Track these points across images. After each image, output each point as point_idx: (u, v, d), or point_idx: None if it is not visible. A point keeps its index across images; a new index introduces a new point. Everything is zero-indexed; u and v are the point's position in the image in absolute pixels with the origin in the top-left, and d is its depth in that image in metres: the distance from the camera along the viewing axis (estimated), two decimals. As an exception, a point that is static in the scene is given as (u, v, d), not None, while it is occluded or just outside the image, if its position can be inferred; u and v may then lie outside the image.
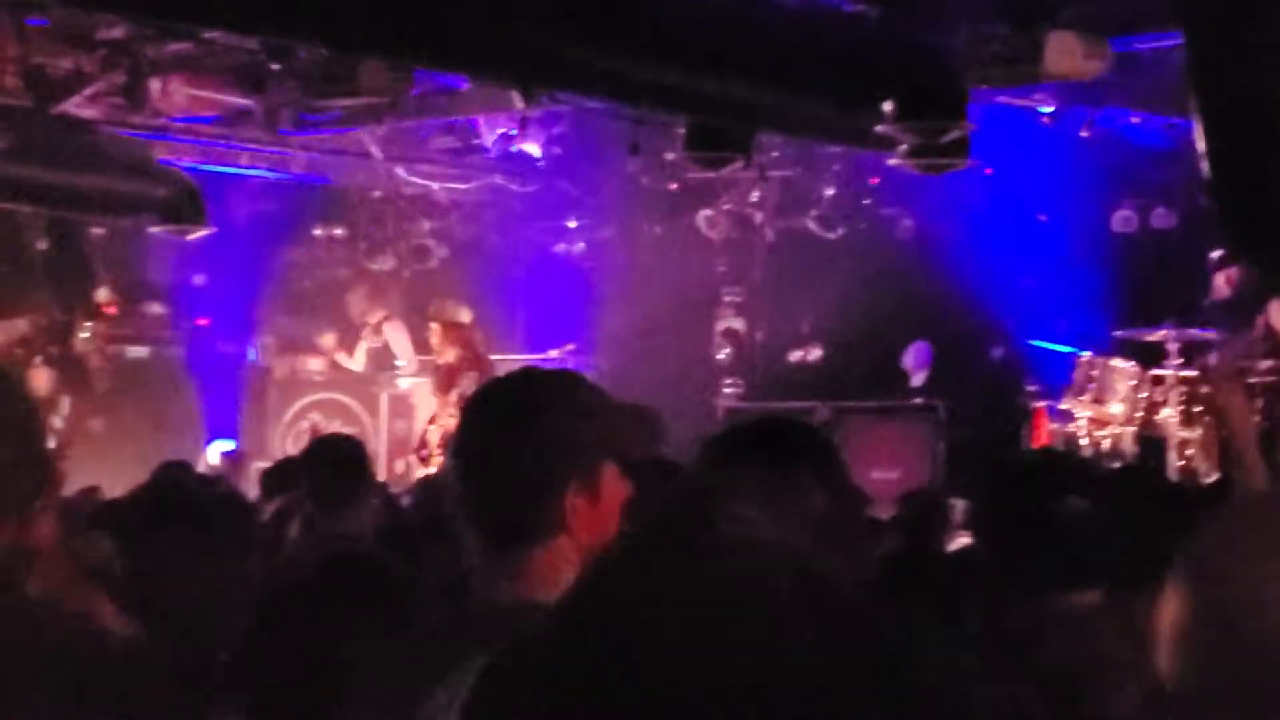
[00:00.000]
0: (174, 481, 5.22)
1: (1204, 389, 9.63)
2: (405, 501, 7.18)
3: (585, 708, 0.84)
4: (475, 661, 2.05)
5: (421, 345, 12.85)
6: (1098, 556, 2.89)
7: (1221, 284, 10.50)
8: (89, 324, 13.38)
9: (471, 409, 2.35)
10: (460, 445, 2.29)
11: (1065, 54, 8.22)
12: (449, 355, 11.12)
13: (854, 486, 2.48)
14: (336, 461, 5.06)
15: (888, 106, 7.93)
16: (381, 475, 12.04)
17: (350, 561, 2.88)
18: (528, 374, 2.47)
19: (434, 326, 11.20)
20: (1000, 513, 2.99)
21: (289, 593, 2.76)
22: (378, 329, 13.52)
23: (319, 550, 4.57)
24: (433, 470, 10.71)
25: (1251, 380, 9.58)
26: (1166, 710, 1.22)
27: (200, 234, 11.08)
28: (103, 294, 13.52)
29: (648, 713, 0.82)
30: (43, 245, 12.81)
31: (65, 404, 12.81)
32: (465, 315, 11.36)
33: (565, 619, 0.89)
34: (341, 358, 13.65)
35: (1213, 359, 9.81)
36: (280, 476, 6.39)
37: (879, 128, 8.09)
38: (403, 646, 2.22)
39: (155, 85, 10.48)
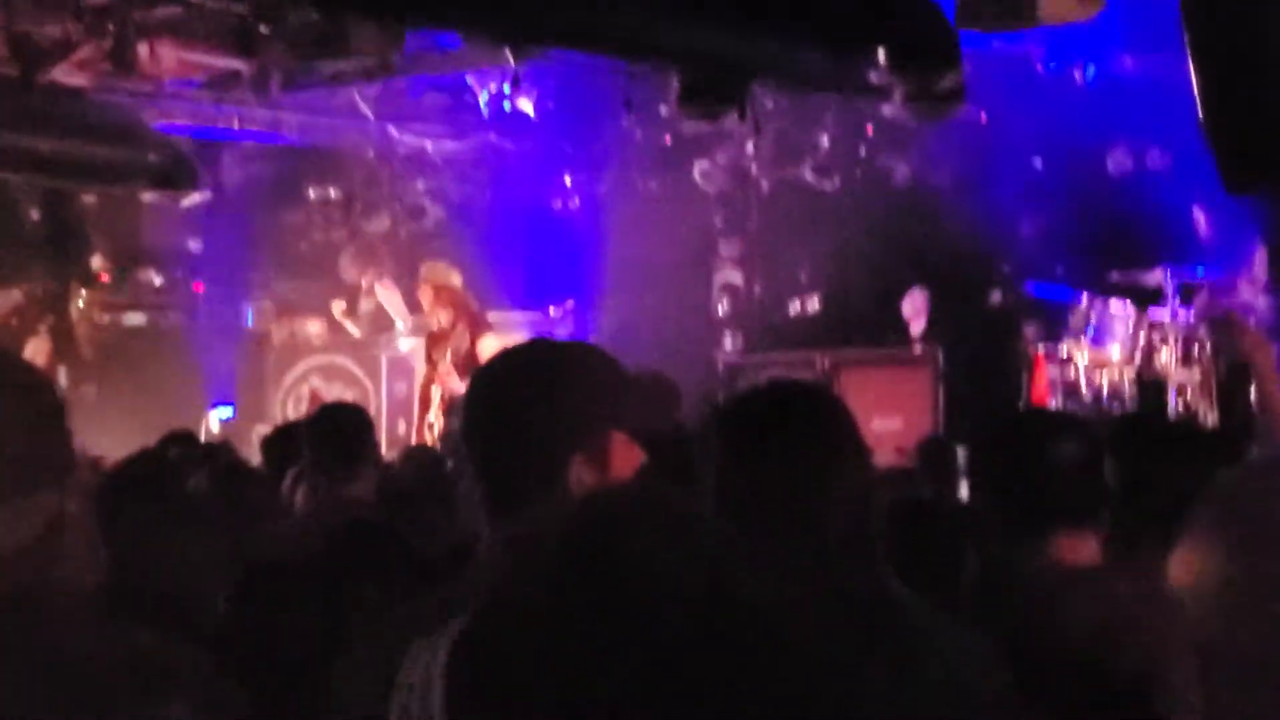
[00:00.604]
0: (152, 458, 5.23)
1: (1214, 335, 9.63)
2: (400, 466, 7.20)
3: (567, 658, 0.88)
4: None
5: (417, 306, 12.83)
6: (1092, 501, 2.89)
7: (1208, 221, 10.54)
8: (84, 292, 13.37)
9: (481, 377, 2.35)
10: (468, 413, 2.30)
11: (1059, -2, 8.18)
12: (441, 317, 11.08)
13: (863, 444, 2.47)
14: (340, 429, 5.06)
15: (881, 55, 7.90)
16: (383, 437, 12.11)
17: (361, 531, 2.89)
18: (538, 344, 2.49)
19: (425, 289, 11.15)
20: (993, 459, 3.01)
21: (301, 563, 2.77)
22: (370, 291, 13.51)
23: (325, 517, 4.59)
24: (437, 434, 10.73)
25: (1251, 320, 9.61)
26: (1203, 668, 1.20)
27: (193, 199, 11.04)
28: (97, 262, 13.50)
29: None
30: (35, 215, 12.79)
31: (61, 374, 12.82)
32: (455, 278, 11.31)
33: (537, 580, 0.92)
34: (348, 324, 13.64)
35: (1221, 309, 9.82)
36: (281, 443, 6.39)
37: (873, 76, 8.06)
38: (404, 614, 2.22)
39: (143, 50, 10.41)
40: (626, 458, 2.22)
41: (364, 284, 13.60)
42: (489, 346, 10.93)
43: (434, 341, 11.27)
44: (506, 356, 2.39)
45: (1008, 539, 2.88)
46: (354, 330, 13.59)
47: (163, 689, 1.82)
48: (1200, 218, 10.66)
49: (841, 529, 2.32)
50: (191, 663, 1.91)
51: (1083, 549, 2.84)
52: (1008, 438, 3.05)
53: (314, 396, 12.38)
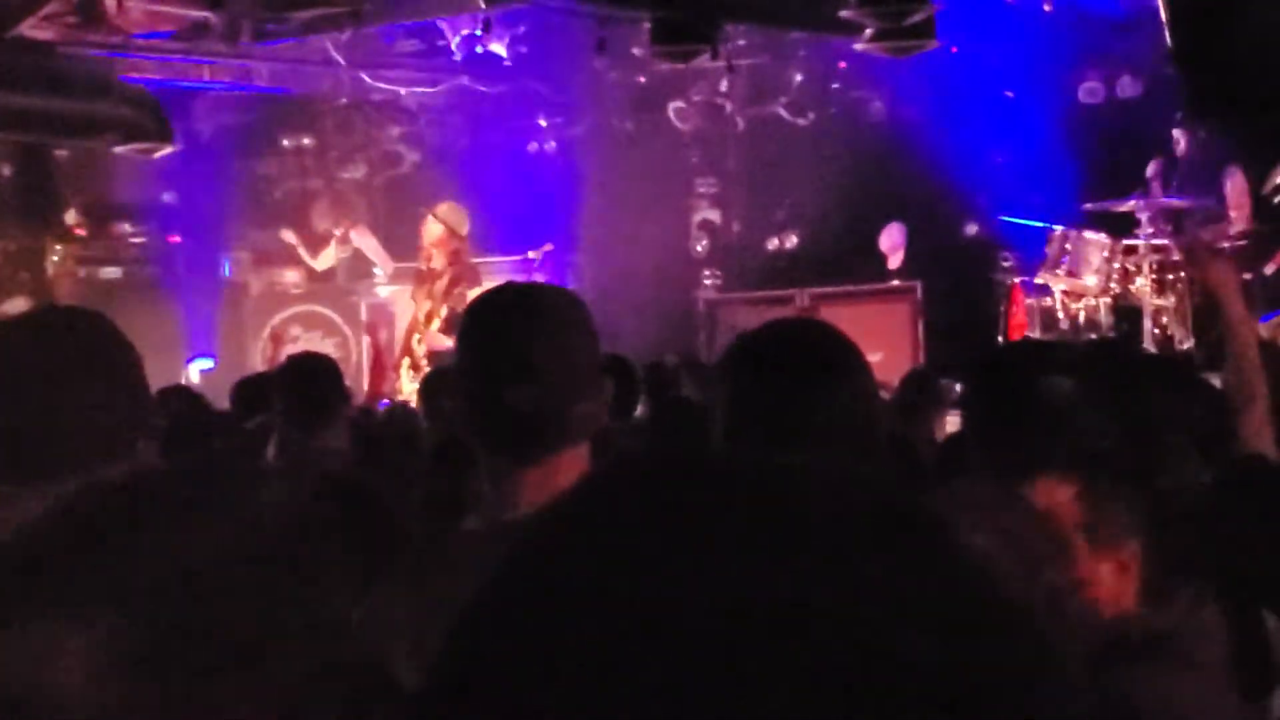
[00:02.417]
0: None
1: (1184, 264, 9.68)
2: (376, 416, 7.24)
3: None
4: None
5: (398, 252, 12.82)
6: (1078, 443, 2.85)
7: (1183, 147, 10.57)
8: (59, 247, 13.32)
9: (493, 311, 2.31)
10: (487, 342, 2.27)
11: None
12: (438, 260, 11.07)
13: (868, 368, 2.48)
14: (310, 380, 5.08)
15: (851, -10, 7.89)
16: (363, 384, 12.13)
17: (339, 490, 2.91)
18: (537, 286, 2.50)
19: (435, 227, 11.08)
20: (984, 394, 2.91)
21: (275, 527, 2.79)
22: (345, 239, 13.48)
23: (297, 469, 4.62)
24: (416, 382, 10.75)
25: (1224, 245, 9.66)
26: None
27: (166, 151, 10.99)
28: (71, 216, 13.45)
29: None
30: (8, 171, 12.73)
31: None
32: (466, 225, 11.30)
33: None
34: (309, 260, 13.61)
35: (1190, 237, 9.86)
36: (252, 391, 6.43)
37: (844, 13, 8.05)
38: (430, 558, 2.23)
39: (111, 3, 10.35)
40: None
41: (338, 232, 13.56)
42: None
43: (419, 282, 11.26)
44: (513, 293, 2.38)
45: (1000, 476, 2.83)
46: (315, 264, 13.54)
47: None
48: (1178, 140, 10.68)
49: (853, 448, 2.33)
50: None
51: (1059, 492, 2.79)
52: (994, 371, 2.95)
53: (276, 337, 12.36)
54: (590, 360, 2.25)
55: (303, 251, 13.52)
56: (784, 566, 0.64)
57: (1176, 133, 10.57)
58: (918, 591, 0.65)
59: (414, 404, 9.15)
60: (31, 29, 10.35)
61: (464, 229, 11.20)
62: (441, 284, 10.99)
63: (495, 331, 2.26)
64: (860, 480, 0.71)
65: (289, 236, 13.50)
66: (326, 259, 13.55)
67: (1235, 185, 10.25)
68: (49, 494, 1.77)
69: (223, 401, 9.16)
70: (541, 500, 2.16)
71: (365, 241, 13.27)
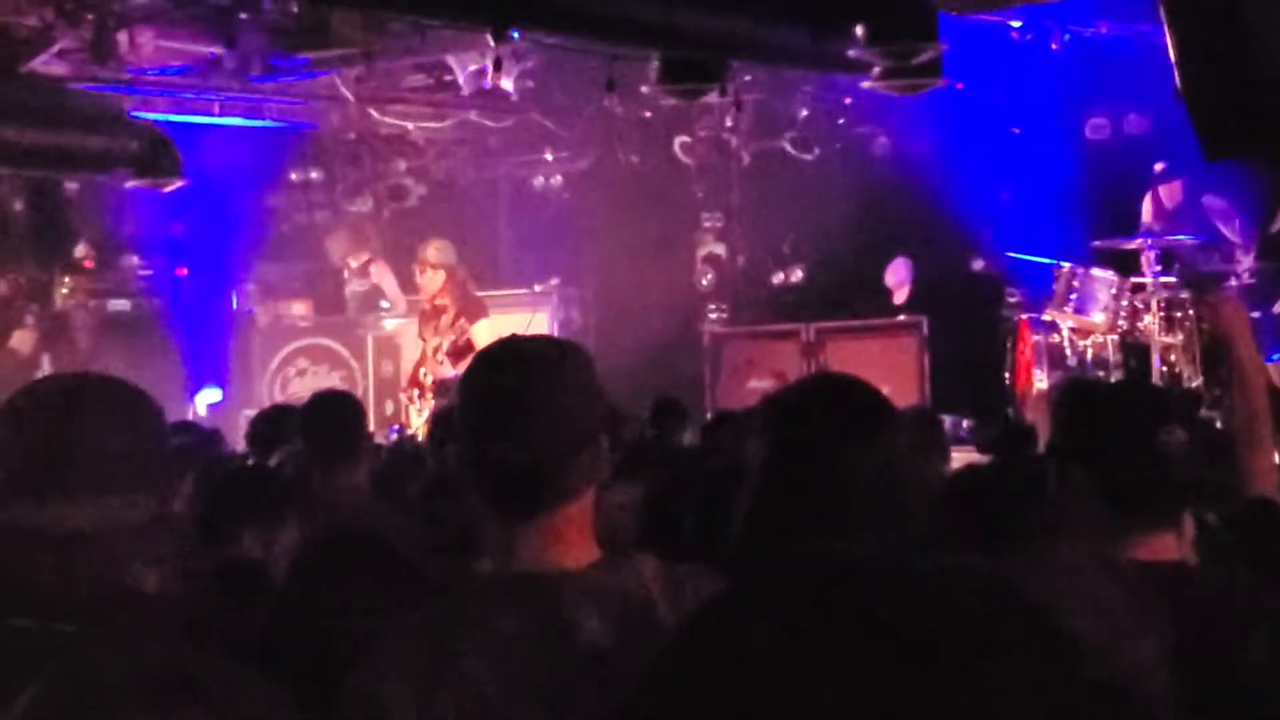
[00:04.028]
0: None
1: (1191, 305, 9.72)
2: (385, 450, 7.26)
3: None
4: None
5: (407, 285, 12.84)
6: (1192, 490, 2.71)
7: (1165, 198, 10.63)
8: (68, 280, 13.36)
9: (491, 368, 2.31)
10: (489, 403, 2.26)
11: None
12: (443, 298, 11.12)
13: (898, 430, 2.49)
14: (335, 419, 5.08)
15: (860, 30, 7.93)
16: (370, 417, 12.14)
17: (360, 541, 2.93)
18: (543, 341, 2.51)
19: (436, 270, 11.12)
20: (1095, 445, 2.72)
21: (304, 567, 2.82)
22: (364, 271, 13.51)
23: (322, 509, 4.63)
24: (425, 416, 10.77)
25: (1230, 284, 9.71)
26: None
27: (176, 186, 11.04)
28: (81, 249, 13.49)
29: None
30: (19, 205, 12.78)
31: (47, 362, 12.83)
32: (454, 256, 11.35)
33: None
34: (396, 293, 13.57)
35: (1199, 278, 9.91)
36: (271, 426, 6.43)
37: (852, 52, 8.09)
38: (441, 613, 2.25)
39: (123, 38, 10.40)
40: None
41: (353, 265, 13.58)
42: (483, 331, 11.00)
43: (425, 320, 11.31)
44: (512, 346, 2.36)
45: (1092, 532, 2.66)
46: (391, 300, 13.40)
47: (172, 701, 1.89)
48: (1178, 184, 10.73)
49: (888, 513, 2.34)
50: (213, 672, 1.97)
51: (1162, 548, 2.63)
52: (1106, 421, 2.73)
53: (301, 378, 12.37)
54: (587, 414, 2.24)
55: (386, 282, 13.40)
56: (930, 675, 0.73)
57: (1162, 187, 10.64)
58: (1039, 691, 0.73)
59: (421, 438, 9.20)
60: (44, 65, 10.40)
61: (454, 259, 11.25)
62: (448, 318, 11.04)
63: (490, 388, 2.26)
64: (989, 585, 0.79)
65: (381, 273, 13.42)
66: (352, 300, 13.59)
67: (1217, 209, 10.32)
68: (67, 514, 1.93)
69: (231, 433, 9.21)
70: (539, 554, 2.18)
71: (385, 277, 13.28)
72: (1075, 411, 2.83)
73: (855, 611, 0.80)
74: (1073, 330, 10.40)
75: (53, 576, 1.94)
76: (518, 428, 2.20)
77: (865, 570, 0.84)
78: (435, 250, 11.15)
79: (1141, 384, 7.83)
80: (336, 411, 5.15)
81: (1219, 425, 4.14)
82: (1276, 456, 3.99)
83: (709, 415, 10.20)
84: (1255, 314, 9.31)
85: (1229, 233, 10.33)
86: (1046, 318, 10.48)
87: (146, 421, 2.13)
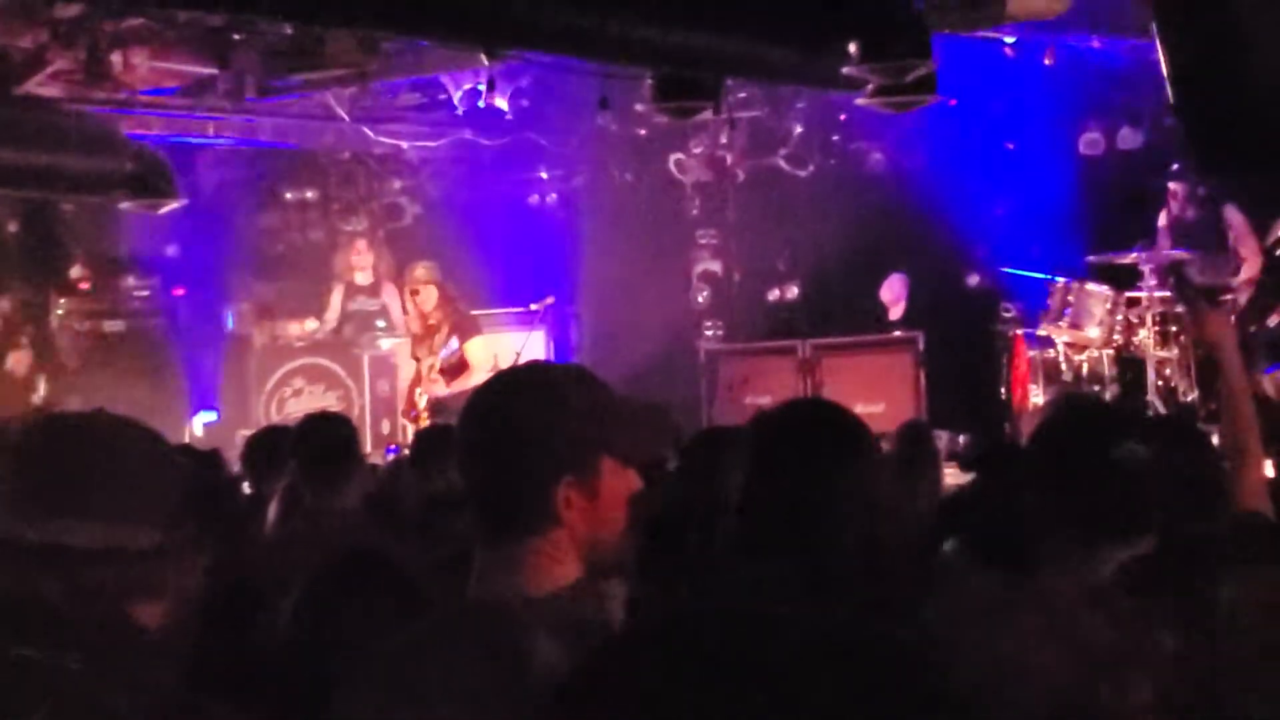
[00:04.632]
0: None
1: (1186, 319, 9.70)
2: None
3: None
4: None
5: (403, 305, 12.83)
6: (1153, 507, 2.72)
7: (1176, 204, 10.61)
8: (63, 301, 13.35)
9: (474, 400, 2.37)
10: (460, 435, 2.33)
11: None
12: (436, 315, 11.15)
13: (876, 458, 2.51)
14: (327, 442, 5.09)
15: (853, 48, 7.94)
16: (366, 437, 12.13)
17: (360, 560, 2.93)
18: (531, 368, 2.54)
19: (428, 290, 11.15)
20: (1057, 466, 2.78)
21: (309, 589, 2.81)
22: (375, 291, 13.49)
23: (313, 530, 4.62)
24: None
25: (1225, 298, 9.70)
26: None
27: (171, 206, 11.04)
28: (76, 270, 13.49)
29: None
30: (14, 227, 12.78)
31: (42, 383, 12.82)
32: (438, 273, 11.37)
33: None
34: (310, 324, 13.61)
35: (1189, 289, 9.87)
36: (265, 448, 6.41)
37: (845, 69, 8.10)
38: (401, 645, 2.25)
39: (117, 60, 10.41)
40: (617, 483, 2.27)
41: (360, 282, 13.55)
42: (476, 348, 11.00)
43: (418, 342, 11.33)
44: (498, 380, 2.43)
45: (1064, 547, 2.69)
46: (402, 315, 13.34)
47: None
48: (1174, 196, 10.73)
49: (859, 540, 2.35)
50: (211, 712, 1.99)
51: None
52: (1067, 441, 2.81)
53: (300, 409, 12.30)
54: (567, 444, 2.24)
55: (393, 303, 13.37)
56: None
57: (1173, 185, 10.61)
58: None
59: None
60: (39, 86, 10.41)
61: (440, 277, 11.28)
62: (441, 337, 11.05)
63: (470, 416, 2.31)
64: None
65: (390, 294, 13.40)
66: (334, 309, 13.55)
67: (1236, 224, 10.30)
68: (76, 533, 1.96)
69: (227, 454, 9.18)
70: (505, 580, 2.21)
71: (394, 299, 13.26)
72: (1037, 434, 2.89)
73: (701, 667, 0.90)
74: (1068, 345, 10.41)
75: (59, 599, 1.96)
76: (483, 458, 2.26)
77: (718, 624, 0.95)
78: (424, 269, 11.22)
79: (1101, 403, 7.86)
80: (328, 433, 5.16)
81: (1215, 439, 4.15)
82: (1268, 469, 4.00)
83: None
84: (1251, 328, 9.34)
85: (1243, 249, 10.31)
86: (1042, 333, 10.49)
87: (158, 458, 2.17)
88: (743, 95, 12.48)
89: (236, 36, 9.57)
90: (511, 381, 2.42)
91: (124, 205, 10.95)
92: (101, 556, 1.99)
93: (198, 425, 13.14)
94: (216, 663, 2.68)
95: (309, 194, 14.46)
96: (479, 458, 2.28)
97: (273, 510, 5.31)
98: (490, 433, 2.28)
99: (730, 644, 0.91)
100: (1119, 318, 10.22)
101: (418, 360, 11.29)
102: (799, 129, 13.19)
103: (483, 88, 11.19)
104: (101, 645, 1.92)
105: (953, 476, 6.99)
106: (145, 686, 1.91)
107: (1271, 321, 9.81)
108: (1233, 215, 10.40)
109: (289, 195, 14.46)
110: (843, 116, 12.82)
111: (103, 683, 1.86)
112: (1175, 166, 10.59)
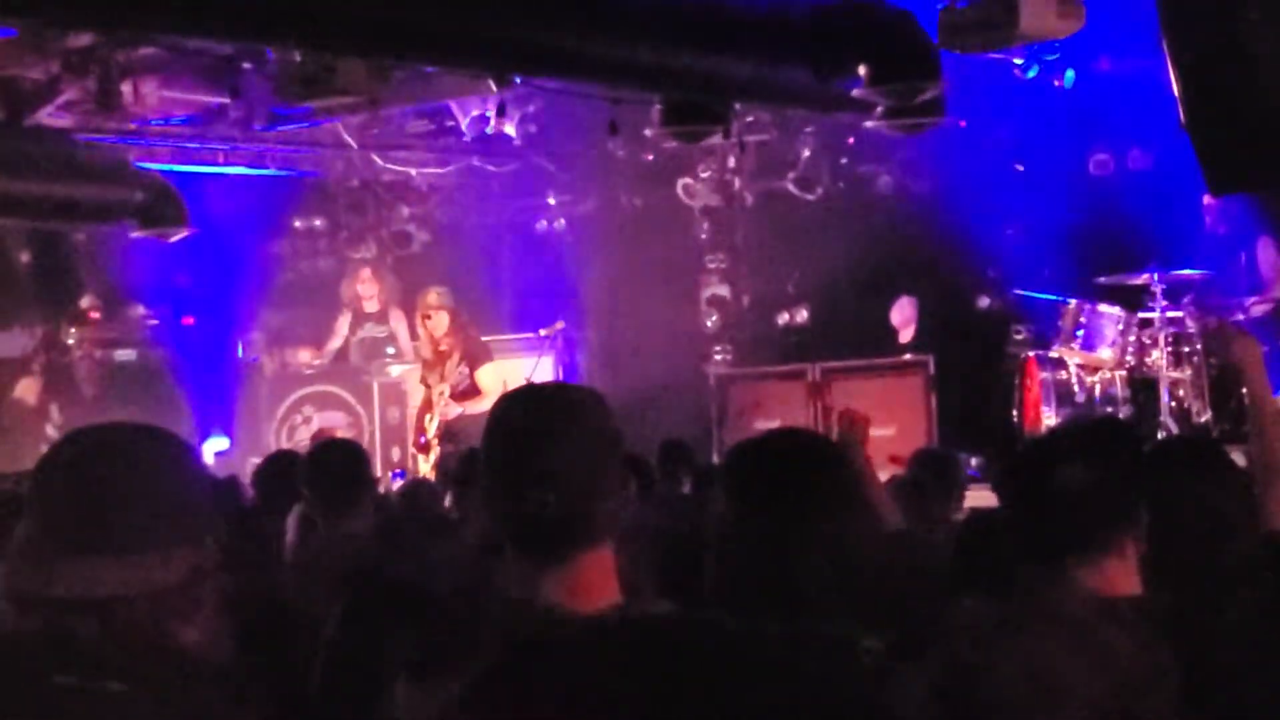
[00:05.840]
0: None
1: (1204, 337, 9.67)
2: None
3: None
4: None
5: (412, 332, 12.83)
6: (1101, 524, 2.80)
7: (1212, 222, 10.59)
8: (74, 330, 13.38)
9: (517, 414, 2.34)
10: (512, 447, 2.30)
11: (1040, 15, 8.21)
12: (447, 341, 11.15)
13: (865, 500, 2.54)
14: (337, 466, 5.09)
15: (863, 71, 7.94)
16: (377, 463, 12.12)
17: (391, 583, 2.92)
18: (558, 386, 2.56)
19: (439, 316, 11.16)
20: (1007, 489, 2.95)
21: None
22: (383, 317, 13.49)
23: (331, 554, 4.62)
24: (431, 461, 10.77)
25: (1240, 317, 9.68)
26: None
27: (181, 235, 11.06)
28: (86, 300, 13.51)
29: None
30: (25, 256, 12.80)
31: (54, 412, 12.83)
32: (450, 299, 11.38)
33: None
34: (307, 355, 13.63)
35: (1210, 310, 9.85)
36: (276, 474, 6.41)
37: (855, 92, 8.10)
38: (442, 659, 2.24)
39: (127, 89, 10.44)
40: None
41: (369, 309, 13.55)
42: (487, 374, 11.00)
43: (429, 368, 11.32)
44: (534, 394, 2.43)
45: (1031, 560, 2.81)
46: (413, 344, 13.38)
47: None
48: (1188, 214, 10.71)
49: (832, 588, 2.36)
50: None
51: (1104, 577, 2.73)
52: (1014, 462, 2.98)
53: (316, 436, 12.30)
54: (610, 460, 2.28)
55: (401, 330, 13.35)
56: None
57: (1208, 200, 10.57)
58: None
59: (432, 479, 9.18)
60: (49, 116, 10.45)
61: (453, 303, 11.29)
62: (453, 363, 11.05)
63: (516, 436, 2.30)
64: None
65: (398, 320, 13.40)
66: (339, 336, 13.56)
67: (1268, 256, 10.27)
68: (107, 573, 1.92)
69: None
70: (564, 597, 2.21)
71: (402, 325, 13.26)
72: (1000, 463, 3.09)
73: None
74: (1080, 367, 10.38)
75: (96, 638, 1.93)
76: (542, 474, 2.24)
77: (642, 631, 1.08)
78: (436, 294, 11.23)
79: (1066, 426, 7.86)
80: (338, 458, 5.16)
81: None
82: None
83: (715, 458, 10.17)
84: (1264, 348, 9.29)
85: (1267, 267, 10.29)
86: (1054, 354, 10.47)
87: (185, 470, 2.13)
88: (751, 119, 12.48)
89: (246, 66, 9.58)
90: (554, 396, 2.49)
91: (134, 234, 10.97)
92: (136, 596, 1.96)
93: (209, 453, 13.14)
94: (257, 683, 2.67)
95: (318, 222, 14.48)
96: (537, 468, 2.27)
97: (290, 533, 5.32)
98: (556, 441, 2.28)
99: (654, 648, 1.06)
100: (1131, 339, 10.20)
101: (427, 386, 11.28)
102: (808, 152, 13.20)
103: (491, 114, 11.21)
104: (141, 669, 1.90)
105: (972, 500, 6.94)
106: (188, 708, 1.90)
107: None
108: (1267, 249, 10.35)
109: (298, 223, 14.48)
110: (851, 140, 12.82)
111: (145, 706, 1.85)
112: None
